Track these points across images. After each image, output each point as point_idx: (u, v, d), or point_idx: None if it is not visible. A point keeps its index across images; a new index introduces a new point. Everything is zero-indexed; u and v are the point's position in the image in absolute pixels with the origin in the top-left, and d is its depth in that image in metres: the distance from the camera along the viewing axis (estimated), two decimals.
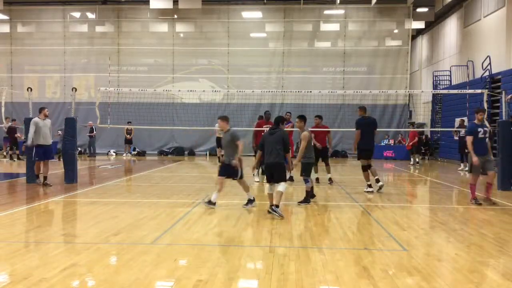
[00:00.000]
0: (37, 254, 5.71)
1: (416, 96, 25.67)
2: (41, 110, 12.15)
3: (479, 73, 20.33)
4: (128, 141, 24.36)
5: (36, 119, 11.87)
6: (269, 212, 8.00)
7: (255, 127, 13.11)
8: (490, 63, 19.20)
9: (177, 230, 7.06)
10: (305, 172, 9.17)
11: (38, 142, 11.76)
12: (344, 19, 25.60)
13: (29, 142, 11.78)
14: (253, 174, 12.83)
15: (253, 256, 5.67)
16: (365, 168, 11.18)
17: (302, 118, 9.19)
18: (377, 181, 11.24)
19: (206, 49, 26.07)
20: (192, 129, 22.68)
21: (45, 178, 11.87)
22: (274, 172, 8.14)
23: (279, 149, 8.10)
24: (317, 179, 12.58)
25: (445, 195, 11.40)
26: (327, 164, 12.99)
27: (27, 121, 12.59)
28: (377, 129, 11.75)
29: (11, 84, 25.71)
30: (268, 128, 12.49)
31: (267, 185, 8.21)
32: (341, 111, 24.30)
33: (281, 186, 8.04)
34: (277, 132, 8.26)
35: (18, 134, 20.49)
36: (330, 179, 12.89)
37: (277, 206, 7.87)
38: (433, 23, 26.75)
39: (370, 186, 11.14)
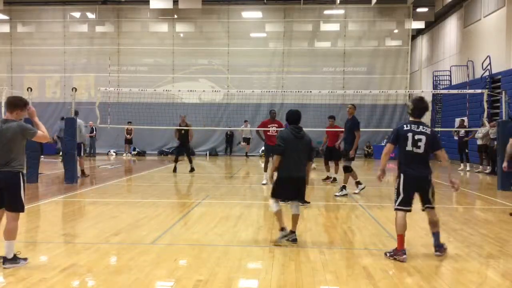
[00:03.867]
0: (37, 254, 5.71)
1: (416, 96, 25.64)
2: (77, 113, 13.70)
3: (479, 73, 20.33)
4: (128, 141, 24.36)
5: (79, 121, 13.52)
6: (288, 239, 6.19)
7: (259, 127, 13.04)
8: (490, 63, 19.19)
9: (177, 230, 7.06)
10: None
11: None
12: (344, 19, 25.58)
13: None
14: (266, 183, 11.31)
15: (253, 256, 5.67)
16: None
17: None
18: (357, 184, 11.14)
19: (206, 49, 26.06)
20: (192, 129, 22.65)
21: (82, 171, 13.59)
22: (301, 188, 6.27)
23: (305, 160, 6.31)
24: (334, 178, 12.99)
25: (445, 195, 11.38)
26: (326, 164, 13.25)
27: (28, 122, 12.60)
28: (376, 129, 11.80)
29: (11, 84, 25.70)
30: (274, 127, 12.48)
31: (272, 202, 6.31)
32: (341, 111, 24.27)
33: (299, 206, 6.48)
34: (305, 136, 6.30)
35: None
36: (332, 178, 13.11)
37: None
38: (433, 23, 26.72)
39: (358, 183, 11.08)
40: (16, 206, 5.09)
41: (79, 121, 13.55)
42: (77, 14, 26.62)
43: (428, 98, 25.24)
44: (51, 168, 16.72)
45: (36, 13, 26.69)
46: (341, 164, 11.70)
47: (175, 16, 25.92)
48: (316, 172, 15.95)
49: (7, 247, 5.01)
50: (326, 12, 26.00)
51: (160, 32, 26.56)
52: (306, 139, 6.29)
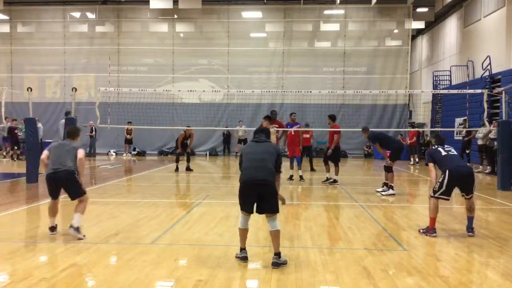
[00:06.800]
0: (37, 254, 5.72)
1: (416, 96, 25.65)
2: (67, 113, 14.32)
3: (479, 73, 20.33)
4: (128, 141, 24.36)
5: (63, 121, 14.30)
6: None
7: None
8: (490, 63, 19.20)
9: (177, 230, 7.07)
10: None
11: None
12: (344, 19, 25.58)
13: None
14: None
15: (253, 256, 5.67)
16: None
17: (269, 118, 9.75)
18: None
19: (206, 49, 26.05)
20: (193, 129, 22.68)
21: None
22: (266, 196, 5.33)
23: (270, 165, 5.45)
24: (334, 180, 12.91)
25: None
26: (326, 164, 13.19)
27: (28, 121, 12.64)
28: (375, 129, 11.90)
29: (11, 84, 25.68)
30: (275, 128, 12.47)
31: (240, 216, 5.51)
32: (341, 111, 24.30)
33: (277, 221, 5.40)
34: (268, 142, 5.75)
35: (19, 133, 20.63)
36: (332, 179, 13.02)
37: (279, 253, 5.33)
38: (433, 23, 26.74)
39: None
40: (77, 193, 6.69)
41: (62, 121, 14.18)
42: (77, 14, 26.61)
43: (428, 98, 25.28)
44: None
45: (36, 13, 26.67)
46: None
47: (175, 16, 25.91)
48: (316, 173, 15.97)
49: (76, 217, 6.48)
50: (326, 12, 25.99)
51: (160, 32, 26.55)
52: (268, 143, 5.69)
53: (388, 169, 11.10)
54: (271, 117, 10.11)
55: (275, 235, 5.32)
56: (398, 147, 11.35)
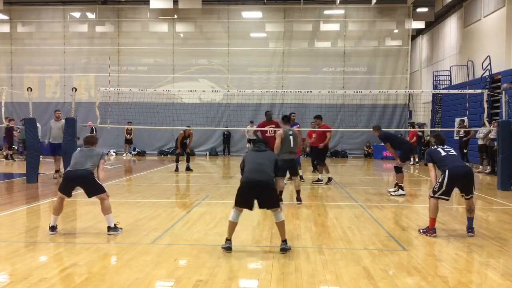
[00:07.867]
0: (37, 254, 5.72)
1: (416, 96, 25.66)
2: (56, 111, 14.28)
3: (479, 73, 20.33)
4: (128, 141, 24.37)
5: (53, 121, 13.99)
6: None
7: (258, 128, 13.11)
8: (490, 63, 19.20)
9: (177, 230, 7.06)
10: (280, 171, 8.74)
11: (48, 141, 13.77)
12: (344, 19, 25.59)
13: (46, 142, 13.89)
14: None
15: (253, 256, 5.67)
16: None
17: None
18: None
19: (206, 49, 26.06)
20: (192, 129, 22.68)
21: (56, 171, 13.48)
22: (265, 195, 5.86)
23: (269, 169, 6.03)
24: (330, 179, 12.95)
25: None
26: (319, 165, 13.24)
27: (28, 121, 12.64)
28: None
29: (11, 84, 25.70)
30: (272, 128, 12.45)
31: (232, 211, 5.97)
32: (341, 111, 24.30)
33: (281, 213, 5.95)
34: (269, 151, 6.44)
35: (14, 133, 20.67)
36: (327, 179, 13.03)
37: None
38: (433, 23, 26.75)
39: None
40: (97, 190, 6.70)
41: (51, 122, 13.96)
42: (77, 14, 26.62)
43: (428, 98, 25.28)
44: (51, 168, 16.71)
45: (36, 13, 26.69)
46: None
47: (175, 16, 25.92)
48: (316, 173, 15.96)
49: (108, 219, 6.70)
50: (326, 12, 25.99)
51: (160, 32, 26.56)
52: (269, 152, 6.34)
53: (398, 170, 11.08)
54: (289, 119, 9.97)
55: (281, 226, 5.89)
56: (408, 148, 11.41)
